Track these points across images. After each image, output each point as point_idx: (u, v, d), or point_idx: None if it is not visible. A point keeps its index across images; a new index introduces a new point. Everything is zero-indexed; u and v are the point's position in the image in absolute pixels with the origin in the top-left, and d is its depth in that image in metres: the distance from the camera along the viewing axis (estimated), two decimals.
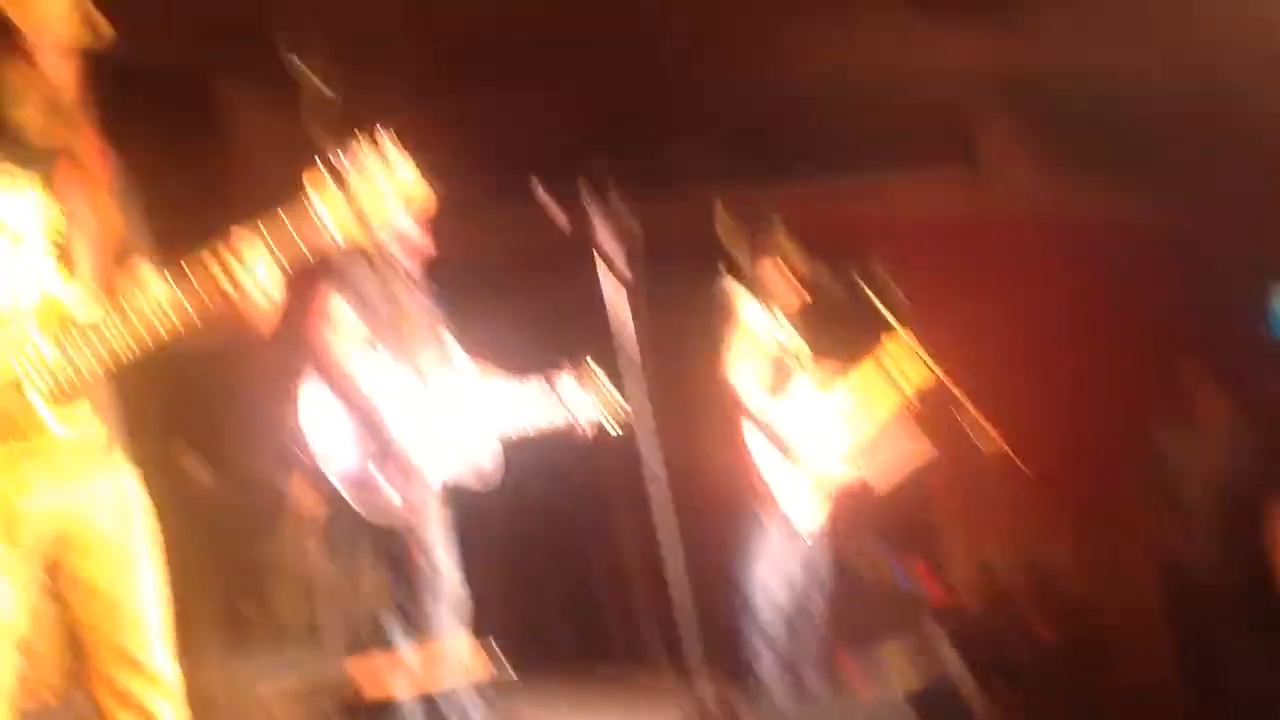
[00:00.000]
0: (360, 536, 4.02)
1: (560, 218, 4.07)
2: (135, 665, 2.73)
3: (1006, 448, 5.36)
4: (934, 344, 5.61)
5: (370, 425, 3.98)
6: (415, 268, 4.36)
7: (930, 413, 5.62)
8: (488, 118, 4.38)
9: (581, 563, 5.20)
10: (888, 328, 5.52)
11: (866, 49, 6.85)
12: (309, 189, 2.63)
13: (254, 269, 2.56)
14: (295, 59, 2.73)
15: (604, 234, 4.09)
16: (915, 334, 5.55)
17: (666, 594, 3.84)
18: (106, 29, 2.71)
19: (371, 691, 2.56)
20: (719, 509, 5.31)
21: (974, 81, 7.25)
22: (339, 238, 2.63)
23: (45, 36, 2.65)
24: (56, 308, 2.63)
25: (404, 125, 2.77)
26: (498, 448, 4.22)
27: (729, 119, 7.26)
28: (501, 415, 4.23)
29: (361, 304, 4.10)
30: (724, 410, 5.01)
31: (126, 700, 2.72)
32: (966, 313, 6.69)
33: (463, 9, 6.03)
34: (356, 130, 2.74)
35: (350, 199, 2.64)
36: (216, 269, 2.55)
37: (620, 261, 3.97)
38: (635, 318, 3.89)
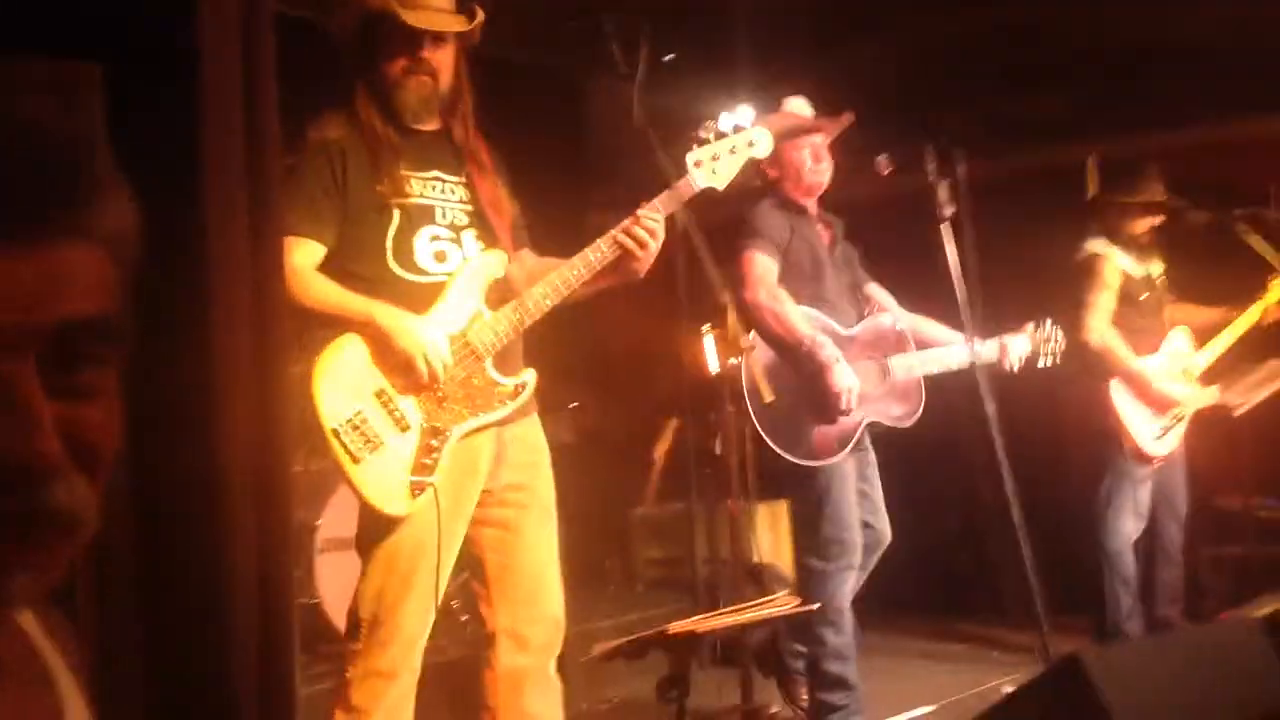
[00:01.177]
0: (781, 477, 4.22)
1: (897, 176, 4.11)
2: (535, 605, 2.99)
3: None
4: None
5: (802, 368, 4.08)
6: (813, 204, 4.42)
7: None
8: (854, 71, 4.46)
9: (937, 518, 5.30)
10: (1273, 272, 5.29)
11: None
12: (688, 163, 3.04)
13: (658, 234, 2.93)
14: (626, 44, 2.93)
15: (948, 193, 4.08)
16: None
17: (1018, 545, 3.85)
18: (479, 14, 2.98)
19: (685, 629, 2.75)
20: (1078, 461, 5.26)
21: None
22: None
23: (428, 25, 2.92)
24: (496, 284, 2.97)
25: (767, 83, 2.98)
26: (920, 389, 4.34)
27: (1102, 66, 7.02)
28: (924, 359, 4.34)
29: (782, 254, 4.23)
30: (1090, 370, 4.91)
31: (522, 638, 2.97)
32: None
33: None
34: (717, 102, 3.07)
35: (718, 163, 3.06)
36: (629, 239, 2.90)
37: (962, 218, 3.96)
38: (973, 275, 3.91)
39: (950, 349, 4.35)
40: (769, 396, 2.94)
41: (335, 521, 4.95)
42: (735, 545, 4.23)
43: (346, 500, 5.03)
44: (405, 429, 2.78)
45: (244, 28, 2.06)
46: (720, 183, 3.12)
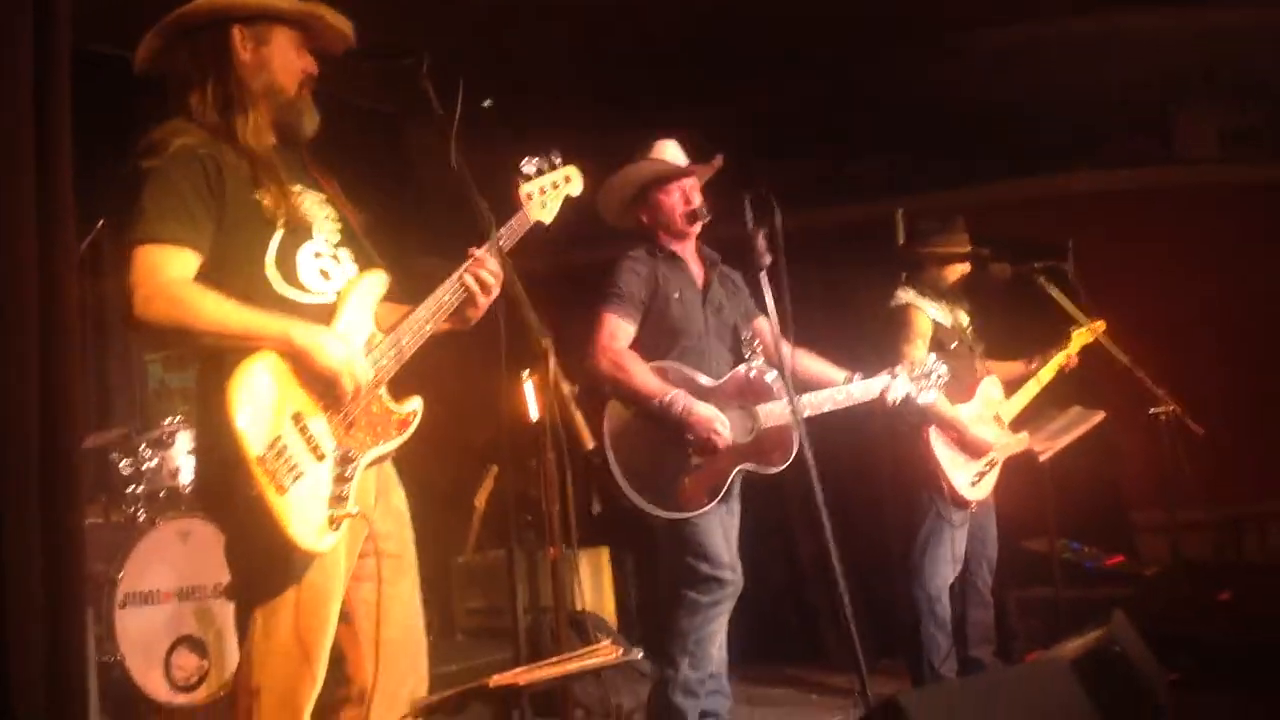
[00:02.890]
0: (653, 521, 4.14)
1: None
2: (407, 660, 2.84)
3: (1181, 411, 5.50)
4: (1120, 327, 5.59)
5: (664, 421, 4.08)
6: (688, 247, 4.44)
7: (1106, 381, 5.62)
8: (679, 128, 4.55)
9: (759, 565, 5.35)
10: (1073, 323, 5.51)
11: (1054, 48, 6.80)
12: (521, 195, 3.03)
13: (500, 277, 2.85)
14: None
15: (765, 243, 4.12)
16: (1101, 323, 5.52)
17: (837, 590, 3.89)
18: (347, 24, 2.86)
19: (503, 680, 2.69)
20: (893, 507, 5.38)
21: (1167, 64, 7.10)
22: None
23: (345, 27, 2.83)
24: (380, 303, 2.83)
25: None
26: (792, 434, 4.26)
27: (913, 128, 7.27)
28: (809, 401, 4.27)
29: (645, 310, 4.25)
30: (905, 418, 4.99)
31: (395, 695, 2.79)
32: (1151, 290, 6.68)
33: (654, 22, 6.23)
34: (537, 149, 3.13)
35: (545, 196, 3.07)
36: (474, 283, 2.82)
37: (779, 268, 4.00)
38: (789, 324, 3.95)
39: (818, 393, 4.34)
40: (590, 443, 2.91)
41: (137, 574, 4.75)
42: (557, 593, 4.17)
43: (149, 552, 4.84)
44: (321, 457, 2.58)
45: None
46: (548, 217, 3.10)
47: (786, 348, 4.06)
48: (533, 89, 6.38)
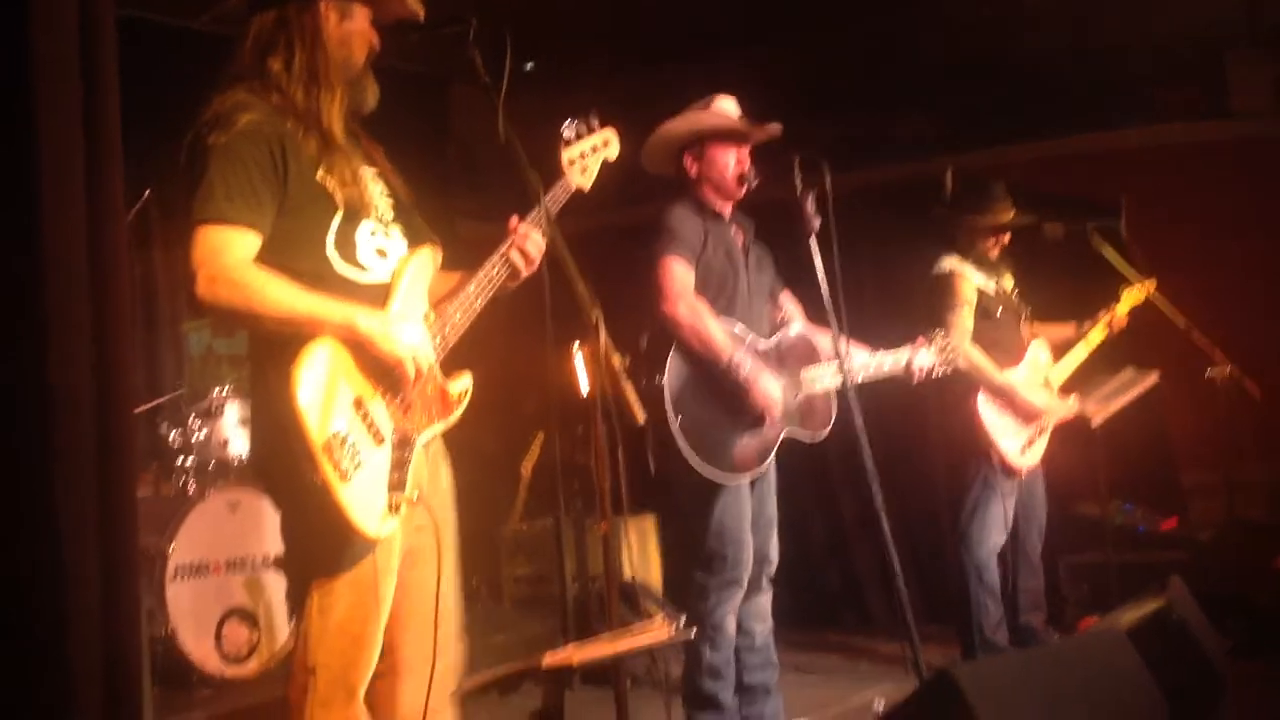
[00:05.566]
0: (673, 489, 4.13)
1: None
2: (443, 631, 2.78)
3: (1238, 371, 5.43)
4: (1174, 286, 5.51)
5: (726, 382, 4.04)
6: (729, 208, 4.36)
7: (1158, 341, 5.57)
8: (723, 85, 4.47)
9: (804, 532, 5.36)
10: (1124, 282, 5.43)
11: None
12: (563, 161, 3.02)
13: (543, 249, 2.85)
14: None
15: (815, 206, 4.05)
16: (1151, 282, 5.43)
17: (887, 557, 3.85)
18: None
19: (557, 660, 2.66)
20: (941, 474, 5.32)
21: (1218, 15, 6.94)
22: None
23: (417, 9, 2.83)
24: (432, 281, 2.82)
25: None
26: (831, 401, 4.28)
27: (961, 84, 7.15)
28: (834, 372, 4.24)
29: (697, 260, 4.17)
30: (954, 386, 4.94)
31: (425, 669, 2.74)
32: (1206, 247, 6.56)
33: None
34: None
35: (585, 161, 3.07)
36: (521, 258, 2.81)
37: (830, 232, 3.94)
38: (839, 288, 3.90)
39: (857, 361, 4.31)
40: (641, 418, 2.87)
41: (187, 546, 4.78)
42: (609, 567, 4.16)
43: (199, 524, 4.87)
44: (380, 441, 2.58)
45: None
46: (588, 183, 3.07)
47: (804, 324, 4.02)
48: (568, 46, 6.33)
